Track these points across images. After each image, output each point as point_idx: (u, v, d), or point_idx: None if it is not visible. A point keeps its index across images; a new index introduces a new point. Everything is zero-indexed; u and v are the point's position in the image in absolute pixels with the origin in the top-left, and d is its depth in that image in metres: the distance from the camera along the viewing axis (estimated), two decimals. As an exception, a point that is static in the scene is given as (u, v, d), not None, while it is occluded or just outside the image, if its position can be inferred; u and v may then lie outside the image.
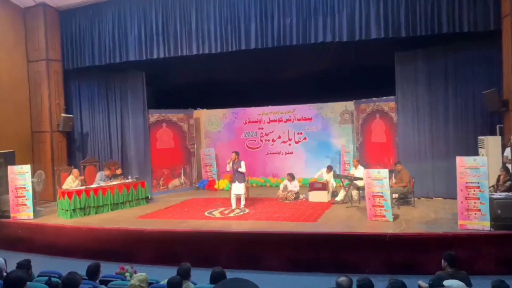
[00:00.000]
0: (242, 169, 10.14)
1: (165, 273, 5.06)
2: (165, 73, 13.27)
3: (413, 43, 10.26)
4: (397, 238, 7.40)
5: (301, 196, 11.41)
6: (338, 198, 10.72)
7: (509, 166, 8.22)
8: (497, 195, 7.65)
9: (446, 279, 4.46)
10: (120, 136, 12.84)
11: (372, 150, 12.25)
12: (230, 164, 10.22)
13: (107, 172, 11.24)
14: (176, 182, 13.66)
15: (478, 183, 7.40)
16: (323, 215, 9.43)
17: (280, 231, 8.22)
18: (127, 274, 5.66)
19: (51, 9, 12.17)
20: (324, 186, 10.99)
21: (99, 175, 11.25)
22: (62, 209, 10.11)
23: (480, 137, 9.48)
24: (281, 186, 11.62)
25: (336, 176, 11.37)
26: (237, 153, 10.36)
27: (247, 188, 11.07)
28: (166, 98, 13.92)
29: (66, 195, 10.01)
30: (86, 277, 4.76)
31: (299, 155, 14.02)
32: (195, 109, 14.51)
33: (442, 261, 4.93)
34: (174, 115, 13.66)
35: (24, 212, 10.00)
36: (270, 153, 14.39)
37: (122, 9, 11.56)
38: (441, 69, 10.32)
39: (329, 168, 11.49)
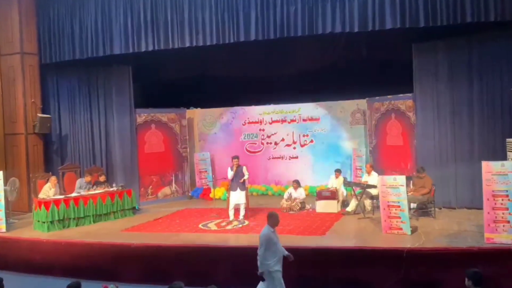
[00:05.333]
0: (246, 175, 10.22)
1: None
2: (154, 68, 13.31)
3: (433, 34, 10.26)
4: (416, 253, 7.40)
5: (308, 206, 11.41)
6: (349, 209, 10.71)
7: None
8: (528, 204, 7.64)
9: (470, 299, 4.46)
10: (103, 139, 12.85)
11: (387, 154, 12.24)
12: (233, 171, 10.25)
13: (87, 178, 11.24)
14: (166, 190, 13.65)
15: (507, 191, 7.41)
16: (332, 228, 9.43)
17: (283, 245, 8.20)
18: (111, 294, 5.66)
19: (26, -4, 12.23)
20: (333, 195, 10.98)
21: (78, 182, 11.25)
22: (39, 221, 10.11)
23: (508, 139, 9.47)
24: (285, 195, 11.63)
25: (347, 184, 11.36)
26: (238, 158, 10.39)
27: (246, 197, 11.07)
28: (155, 96, 13.95)
29: (43, 205, 10.01)
30: (65, 298, 4.76)
31: (305, 159, 14.01)
32: (188, 108, 14.52)
33: (466, 279, 4.93)
34: (165, 115, 13.66)
35: (-5, 225, 10.02)
36: (273, 158, 14.38)
37: (106, -4, 11.61)
38: (465, 63, 10.33)
39: (338, 172, 11.46)
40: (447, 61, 10.51)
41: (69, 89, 12.91)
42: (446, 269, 7.09)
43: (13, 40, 12.15)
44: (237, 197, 10.27)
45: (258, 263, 6.06)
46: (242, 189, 10.25)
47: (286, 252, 6.39)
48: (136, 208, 11.86)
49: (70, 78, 12.91)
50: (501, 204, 7.44)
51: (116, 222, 10.75)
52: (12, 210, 11.30)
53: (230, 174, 10.34)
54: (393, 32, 9.87)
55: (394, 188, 8.56)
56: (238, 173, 10.25)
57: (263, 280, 6.06)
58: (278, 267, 6.12)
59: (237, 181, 10.24)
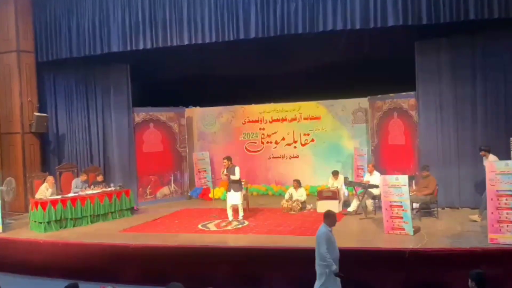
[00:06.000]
0: (236, 176, 10.16)
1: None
2: (152, 66, 13.30)
3: (436, 31, 10.27)
4: (418, 254, 7.40)
5: (308, 206, 11.41)
6: (351, 209, 10.72)
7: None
8: (533, 204, 7.64)
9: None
10: (101, 138, 12.86)
11: (389, 154, 12.25)
12: (224, 172, 10.27)
13: (83, 177, 11.26)
14: (165, 190, 13.66)
15: (511, 191, 7.39)
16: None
17: (284, 246, 8.23)
18: (109, 295, 5.67)
19: (22, -6, 12.22)
20: (334, 195, 10.99)
21: (74, 182, 11.28)
22: (35, 221, 10.11)
23: (512, 139, 9.49)
24: (286, 195, 11.63)
25: (348, 183, 11.37)
26: (229, 159, 10.37)
27: (246, 198, 11.07)
28: (153, 94, 13.94)
29: (39, 206, 10.01)
30: (62, 300, 4.76)
31: (306, 159, 14.02)
32: (187, 107, 14.53)
33: (469, 280, 4.93)
34: (163, 114, 13.67)
35: (-9, 225, 10.02)
36: (273, 157, 14.39)
37: (103, -7, 11.60)
38: (468, 61, 10.32)
39: (335, 174, 11.48)
40: (450, 59, 10.50)
41: (66, 87, 12.92)
42: (449, 270, 7.09)
43: (9, 38, 12.14)
44: (232, 198, 10.27)
45: (327, 263, 5.94)
46: (236, 190, 10.22)
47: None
48: (135, 208, 11.85)
49: (67, 77, 12.92)
50: (505, 204, 7.43)
51: (114, 223, 10.75)
52: (8, 210, 11.29)
53: (222, 175, 10.41)
54: (395, 29, 9.87)
55: (396, 188, 8.56)
56: (230, 174, 10.26)
57: (341, 277, 5.96)
58: (335, 266, 6.02)
59: (230, 182, 10.26)
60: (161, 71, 13.73)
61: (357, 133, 13.59)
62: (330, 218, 6.30)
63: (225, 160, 10.31)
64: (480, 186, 9.32)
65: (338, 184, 11.33)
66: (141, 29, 11.19)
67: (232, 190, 10.23)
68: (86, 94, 12.93)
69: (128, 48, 11.37)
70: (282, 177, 14.05)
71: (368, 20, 9.70)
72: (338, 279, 6.03)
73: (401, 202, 8.50)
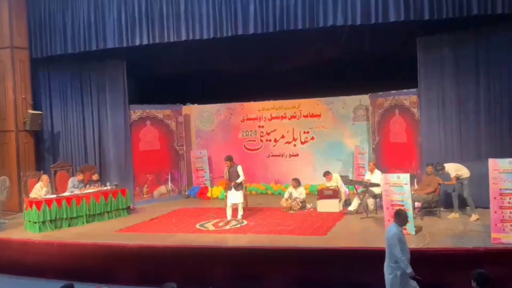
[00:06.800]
0: (241, 177, 10.22)
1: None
2: (149, 62, 13.28)
3: (438, 27, 10.27)
4: (420, 254, 7.39)
5: (308, 206, 11.42)
6: (352, 208, 10.73)
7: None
8: (537, 203, 7.65)
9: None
10: (97, 136, 12.85)
11: (390, 152, 12.26)
12: (227, 173, 10.28)
13: (80, 177, 11.25)
14: (162, 189, 13.66)
15: (515, 189, 7.41)
16: (334, 228, 9.45)
17: (284, 246, 8.23)
18: (105, 296, 5.68)
19: (16, -11, 12.19)
20: (335, 194, 11.00)
21: (71, 181, 11.27)
22: (30, 221, 10.11)
23: (516, 136, 9.51)
24: (286, 194, 11.63)
25: (349, 182, 11.38)
26: (229, 159, 10.38)
27: (245, 197, 11.07)
28: (150, 91, 13.93)
29: (34, 205, 10.01)
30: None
31: (305, 157, 14.02)
32: (184, 104, 14.51)
33: (472, 281, 4.94)
34: (160, 112, 13.66)
35: (-15, 225, 10.03)
36: (272, 155, 14.39)
37: (99, -12, 11.58)
38: (471, 57, 10.32)
39: (327, 174, 11.40)
40: (453, 56, 10.50)
41: (61, 84, 12.89)
42: (451, 270, 7.11)
43: (2, 33, 12.11)
44: (233, 197, 10.30)
45: (402, 264, 5.82)
46: (237, 189, 10.26)
47: None
48: (131, 207, 11.85)
49: (62, 73, 12.89)
50: (509, 203, 7.44)
51: (110, 222, 10.76)
52: (2, 210, 11.29)
53: (225, 175, 10.43)
54: (397, 25, 9.87)
55: (398, 187, 8.56)
56: (232, 173, 10.27)
57: (417, 280, 5.79)
58: (410, 268, 5.88)
59: (232, 181, 10.27)
60: (158, 68, 13.72)
61: (358, 130, 13.58)
62: (401, 217, 6.18)
63: (227, 161, 10.33)
64: (482, 184, 9.31)
65: (334, 184, 11.28)
66: (137, 25, 11.18)
67: (232, 189, 10.24)
68: (81, 91, 12.92)
69: (124, 44, 11.37)
70: (282, 175, 14.04)
71: (369, 16, 9.70)
72: (414, 282, 5.87)
73: (402, 201, 8.50)
